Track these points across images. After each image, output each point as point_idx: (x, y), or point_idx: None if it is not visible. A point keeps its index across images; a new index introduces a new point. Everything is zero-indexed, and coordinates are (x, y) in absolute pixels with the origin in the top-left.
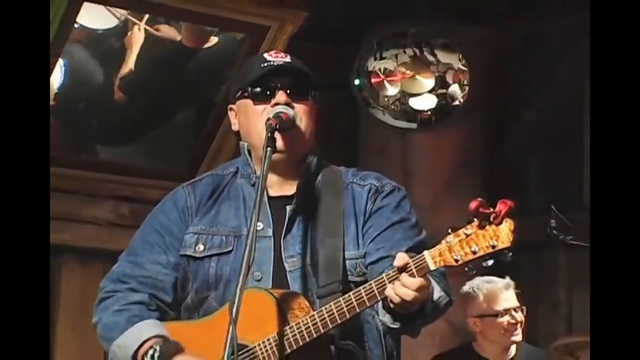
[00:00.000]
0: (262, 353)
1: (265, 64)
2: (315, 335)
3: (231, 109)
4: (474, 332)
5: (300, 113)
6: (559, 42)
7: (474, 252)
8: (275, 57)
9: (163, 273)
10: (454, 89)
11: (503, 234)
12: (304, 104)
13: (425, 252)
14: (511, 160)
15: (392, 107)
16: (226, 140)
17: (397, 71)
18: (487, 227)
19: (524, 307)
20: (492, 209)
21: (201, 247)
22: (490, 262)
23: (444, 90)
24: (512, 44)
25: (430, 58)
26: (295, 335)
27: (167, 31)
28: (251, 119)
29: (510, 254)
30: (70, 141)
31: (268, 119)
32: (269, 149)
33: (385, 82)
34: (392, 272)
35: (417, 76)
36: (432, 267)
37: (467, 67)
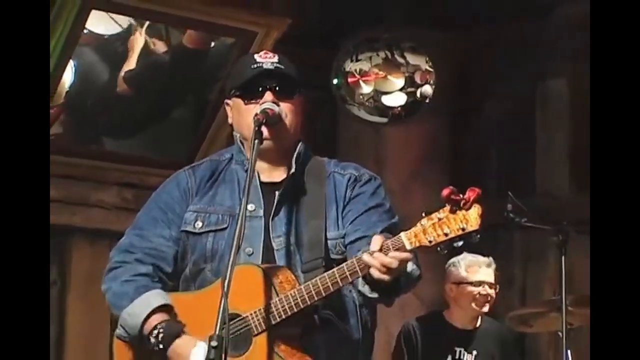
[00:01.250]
0: (254, 321)
1: (255, 66)
2: (302, 306)
3: (227, 104)
4: (448, 298)
5: (286, 110)
6: (516, 45)
7: (446, 234)
8: (264, 59)
9: (166, 245)
10: (427, 88)
11: (472, 218)
12: (290, 102)
13: (402, 234)
14: (472, 151)
15: (367, 103)
16: (220, 133)
17: (371, 72)
18: (458, 211)
19: (497, 285)
20: (462, 196)
21: (200, 224)
22: (460, 243)
23: (412, 89)
24: (474, 48)
25: (401, 60)
26: (284, 306)
27: (159, 45)
28: (242, 114)
29: (478, 235)
30: (79, 134)
31: (256, 115)
32: (256, 141)
33: (361, 82)
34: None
35: (388, 76)
36: (408, 247)
37: (434, 68)
